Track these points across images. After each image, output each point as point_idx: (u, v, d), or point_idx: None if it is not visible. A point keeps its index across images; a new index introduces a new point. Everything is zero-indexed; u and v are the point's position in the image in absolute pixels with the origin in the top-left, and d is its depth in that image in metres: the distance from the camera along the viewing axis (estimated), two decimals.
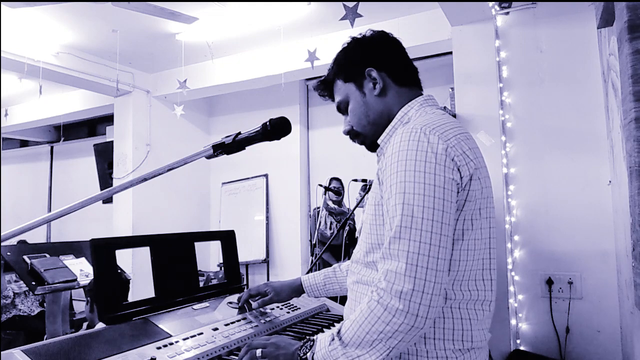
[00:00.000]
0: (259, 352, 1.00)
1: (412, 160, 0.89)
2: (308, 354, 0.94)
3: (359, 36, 1.14)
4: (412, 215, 0.87)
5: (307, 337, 1.01)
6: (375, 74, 1.08)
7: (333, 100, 1.18)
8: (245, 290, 1.49)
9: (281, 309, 1.53)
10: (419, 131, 0.92)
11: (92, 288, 2.22)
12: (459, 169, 0.91)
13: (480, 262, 0.97)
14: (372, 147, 1.13)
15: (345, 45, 1.14)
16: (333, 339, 0.92)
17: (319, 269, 1.50)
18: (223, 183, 5.73)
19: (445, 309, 0.93)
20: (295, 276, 1.48)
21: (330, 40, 4.11)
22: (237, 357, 1.08)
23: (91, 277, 2.67)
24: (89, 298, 2.18)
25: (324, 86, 1.18)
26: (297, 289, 1.46)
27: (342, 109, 1.15)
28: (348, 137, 1.16)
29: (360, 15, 2.90)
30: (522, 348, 2.65)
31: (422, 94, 1.11)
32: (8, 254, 2.58)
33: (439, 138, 0.91)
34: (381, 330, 0.85)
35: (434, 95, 1.13)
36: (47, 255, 2.72)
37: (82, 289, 2.70)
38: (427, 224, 0.86)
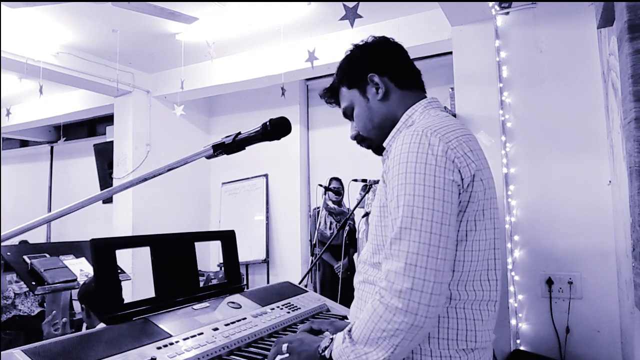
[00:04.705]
0: (284, 346, 1.02)
1: (412, 163, 0.91)
2: (326, 351, 0.96)
3: (360, 43, 1.16)
4: (412, 216, 0.88)
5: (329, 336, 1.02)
6: (377, 79, 1.09)
7: (339, 106, 1.19)
8: (307, 322, 1.22)
9: (281, 309, 1.53)
10: (420, 133, 0.93)
11: (84, 294, 2.16)
12: (459, 171, 0.92)
13: (485, 263, 0.98)
14: (379, 150, 1.15)
15: (348, 52, 1.17)
16: (345, 338, 0.94)
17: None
18: (223, 183, 5.73)
19: (450, 309, 0.94)
20: (295, 276, 1.48)
21: (330, 40, 4.10)
22: (237, 358, 1.09)
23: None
24: (83, 305, 2.12)
25: (330, 93, 1.21)
26: None
27: (348, 114, 1.17)
28: (355, 141, 1.18)
29: (360, 16, 2.90)
30: (522, 348, 2.65)
31: (425, 97, 1.12)
32: (8, 254, 2.57)
33: (440, 140, 0.92)
34: (383, 328, 0.87)
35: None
36: (47, 255, 2.71)
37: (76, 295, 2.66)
38: (427, 225, 0.87)
